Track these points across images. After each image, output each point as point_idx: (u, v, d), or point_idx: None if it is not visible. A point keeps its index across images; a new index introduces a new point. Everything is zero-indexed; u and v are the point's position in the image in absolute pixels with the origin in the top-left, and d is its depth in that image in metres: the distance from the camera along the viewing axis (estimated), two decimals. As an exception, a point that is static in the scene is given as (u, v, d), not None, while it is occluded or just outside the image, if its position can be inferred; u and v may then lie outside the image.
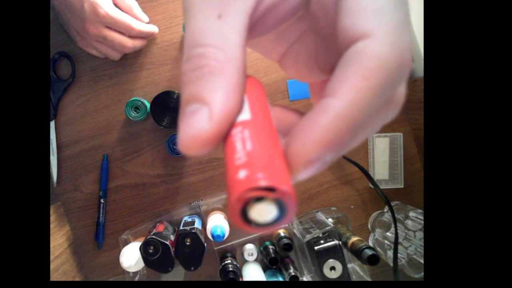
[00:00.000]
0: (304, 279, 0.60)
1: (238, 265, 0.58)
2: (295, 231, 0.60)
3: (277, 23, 0.17)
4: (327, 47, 0.17)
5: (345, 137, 0.13)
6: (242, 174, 0.12)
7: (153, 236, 0.50)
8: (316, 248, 0.55)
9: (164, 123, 0.56)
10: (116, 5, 0.54)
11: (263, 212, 0.12)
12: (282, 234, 0.59)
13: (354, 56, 0.13)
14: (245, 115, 0.14)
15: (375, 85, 0.12)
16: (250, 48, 0.20)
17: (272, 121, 0.15)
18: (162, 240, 0.49)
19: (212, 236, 0.54)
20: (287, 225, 0.61)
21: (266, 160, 0.13)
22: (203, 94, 0.13)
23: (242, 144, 0.13)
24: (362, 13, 0.13)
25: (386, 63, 0.12)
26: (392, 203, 0.63)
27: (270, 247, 0.60)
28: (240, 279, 0.56)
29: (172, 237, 0.53)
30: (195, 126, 0.13)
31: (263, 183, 0.12)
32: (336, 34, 0.14)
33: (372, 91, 0.12)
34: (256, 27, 0.16)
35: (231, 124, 0.14)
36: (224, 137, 0.14)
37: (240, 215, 0.13)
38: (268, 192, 0.12)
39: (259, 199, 0.12)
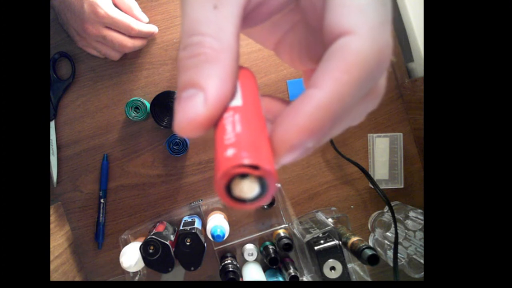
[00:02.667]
0: (304, 279, 0.59)
1: (238, 265, 0.58)
2: (295, 231, 0.60)
3: (269, 15, 0.18)
4: (316, 39, 0.18)
5: (326, 126, 0.14)
6: (230, 152, 0.13)
7: (153, 236, 0.50)
8: (316, 248, 0.55)
9: (164, 123, 0.56)
10: (115, 5, 0.54)
11: (246, 188, 0.14)
12: (282, 234, 0.59)
13: (337, 50, 0.14)
14: (237, 101, 0.15)
15: (354, 78, 0.13)
16: (246, 36, 0.21)
17: (261, 109, 0.16)
18: (162, 240, 0.49)
19: (212, 236, 0.54)
20: (287, 224, 0.61)
21: (253, 141, 0.14)
22: (199, 81, 0.14)
23: (232, 127, 0.14)
24: (346, 11, 0.14)
25: (366, 59, 0.13)
26: (392, 203, 0.63)
27: (270, 247, 0.60)
28: (240, 279, 0.56)
29: (172, 237, 0.53)
30: (191, 110, 0.14)
31: (248, 161, 0.13)
32: (322, 29, 0.15)
33: (352, 83, 0.13)
34: (249, 18, 0.17)
35: (224, 109, 0.15)
36: (216, 120, 0.15)
37: (225, 191, 0.14)
38: (252, 170, 0.13)
39: (243, 176, 0.13)
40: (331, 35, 0.14)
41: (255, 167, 0.13)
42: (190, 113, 0.14)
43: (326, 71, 0.14)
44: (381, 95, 0.16)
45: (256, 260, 0.62)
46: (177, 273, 0.61)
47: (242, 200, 0.14)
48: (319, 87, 0.13)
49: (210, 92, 0.14)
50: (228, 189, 0.14)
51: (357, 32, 0.13)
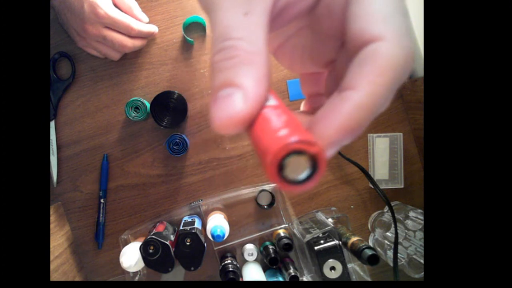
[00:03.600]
0: (304, 279, 0.59)
1: (238, 265, 0.58)
2: (295, 231, 0.60)
3: (288, 22, 0.19)
4: (324, 45, 0.19)
5: (363, 124, 0.15)
6: (283, 131, 0.14)
7: (153, 236, 0.50)
8: (316, 248, 0.55)
9: (164, 123, 0.56)
10: (115, 5, 0.54)
11: (299, 165, 0.14)
12: (282, 234, 0.59)
13: (369, 55, 0.15)
14: (272, 102, 0.16)
15: (388, 80, 0.14)
16: None
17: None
18: (162, 240, 0.49)
19: (212, 236, 0.54)
20: (287, 224, 0.61)
21: (301, 127, 0.14)
22: (236, 80, 0.15)
23: (277, 117, 0.15)
24: (373, 19, 0.15)
25: (397, 62, 0.14)
26: (392, 203, 0.63)
27: (270, 247, 0.60)
28: (240, 279, 0.56)
29: (172, 237, 0.53)
30: (230, 108, 0.14)
31: (306, 137, 0.13)
32: (347, 35, 0.16)
33: (386, 85, 0.14)
34: (271, 24, 0.17)
35: (262, 107, 0.15)
36: (254, 118, 0.15)
37: (277, 171, 0.14)
38: (308, 146, 0.13)
39: (297, 153, 0.13)
40: (359, 41, 0.15)
41: (310, 144, 0.13)
42: (229, 110, 0.14)
43: (361, 75, 0.15)
44: (393, 96, 0.17)
45: (256, 260, 0.62)
46: (177, 273, 0.61)
47: (292, 182, 0.14)
48: (356, 89, 0.14)
49: (249, 90, 0.15)
50: (280, 171, 0.14)
51: (386, 38, 0.14)
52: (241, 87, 0.15)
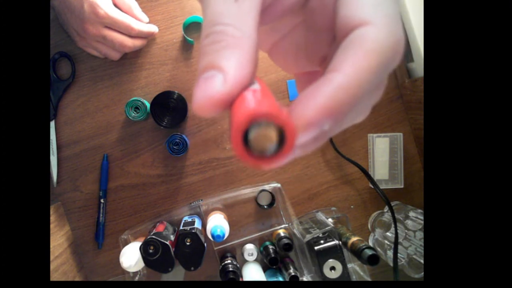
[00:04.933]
0: (304, 279, 0.59)
1: (238, 265, 0.58)
2: (295, 231, 0.60)
3: (280, 15, 0.19)
4: (318, 40, 0.19)
5: (343, 107, 0.14)
6: (252, 103, 0.14)
7: (153, 236, 0.50)
8: (316, 248, 0.55)
9: (164, 123, 0.56)
10: (115, 5, 0.54)
11: (265, 136, 0.13)
12: (282, 234, 0.59)
13: (355, 39, 0.14)
14: (255, 86, 0.16)
15: (373, 64, 0.14)
16: None
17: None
18: (162, 240, 0.49)
19: (212, 236, 0.54)
20: (287, 224, 0.61)
21: (276, 105, 0.14)
22: (219, 63, 0.15)
23: (253, 95, 0.15)
24: (362, 4, 0.15)
25: (384, 47, 0.14)
26: (392, 203, 0.63)
27: (270, 247, 0.60)
28: (240, 279, 0.56)
29: (172, 237, 0.53)
30: (209, 89, 0.15)
31: (271, 108, 0.13)
32: (336, 23, 0.16)
33: (370, 69, 0.14)
34: (263, 15, 0.17)
35: (242, 90, 0.15)
36: (233, 100, 0.15)
37: (242, 142, 0.13)
38: (273, 116, 0.13)
39: (264, 123, 0.13)
40: (347, 26, 0.15)
41: (277, 114, 0.13)
42: (208, 92, 0.15)
43: (345, 57, 0.14)
44: (385, 86, 0.17)
45: (256, 260, 0.62)
46: (177, 273, 0.61)
47: (258, 156, 0.14)
48: (339, 71, 0.14)
49: (229, 73, 0.15)
50: (245, 141, 0.13)
51: (374, 23, 0.14)
52: (223, 69, 0.15)
